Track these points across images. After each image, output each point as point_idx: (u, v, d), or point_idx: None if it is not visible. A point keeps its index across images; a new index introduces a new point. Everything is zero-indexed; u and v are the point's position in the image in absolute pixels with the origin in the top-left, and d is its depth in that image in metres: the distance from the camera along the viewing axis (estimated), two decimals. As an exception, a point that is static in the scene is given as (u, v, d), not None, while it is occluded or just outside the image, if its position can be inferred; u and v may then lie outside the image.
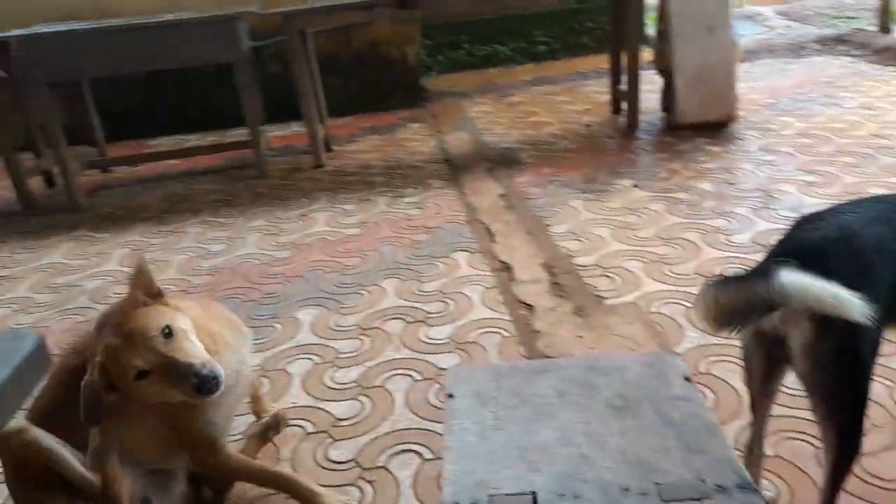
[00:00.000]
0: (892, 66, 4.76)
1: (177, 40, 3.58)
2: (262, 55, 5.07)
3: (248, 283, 2.69)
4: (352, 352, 2.14)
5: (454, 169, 3.80)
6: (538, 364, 1.30)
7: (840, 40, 5.74)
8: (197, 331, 1.31)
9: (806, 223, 1.22)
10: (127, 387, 1.23)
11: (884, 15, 5.72)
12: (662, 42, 3.95)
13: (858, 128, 3.59)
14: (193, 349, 1.24)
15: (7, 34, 3.51)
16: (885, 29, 5.66)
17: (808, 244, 1.13)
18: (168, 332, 1.23)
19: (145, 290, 1.29)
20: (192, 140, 4.95)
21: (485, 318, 2.25)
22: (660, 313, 2.16)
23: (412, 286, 2.51)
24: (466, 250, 2.77)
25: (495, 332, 2.17)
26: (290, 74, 3.98)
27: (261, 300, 2.54)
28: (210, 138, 4.89)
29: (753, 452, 1.35)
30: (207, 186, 3.94)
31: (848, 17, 6.72)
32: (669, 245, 2.59)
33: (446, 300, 2.39)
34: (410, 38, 5.41)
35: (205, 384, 1.19)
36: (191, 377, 1.19)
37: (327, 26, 4.39)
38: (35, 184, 3.99)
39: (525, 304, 2.32)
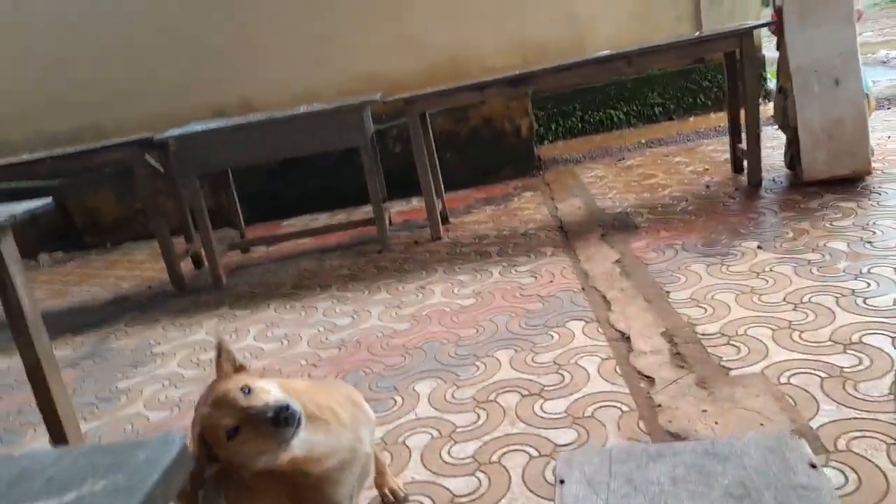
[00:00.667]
0: None
1: (310, 131, 3.93)
2: (385, 136, 5.42)
3: (371, 355, 2.82)
4: (468, 426, 2.17)
5: (568, 236, 3.81)
6: (653, 448, 1.27)
7: None
8: (296, 398, 1.37)
9: None
10: (225, 451, 1.29)
11: None
12: (783, 97, 3.83)
13: None
14: (269, 396, 1.31)
15: (166, 134, 4.01)
16: None
17: None
18: (248, 391, 1.31)
19: (230, 365, 1.41)
20: (322, 219, 5.32)
21: (602, 392, 2.22)
22: (790, 384, 2.03)
23: (527, 357, 2.52)
24: (581, 319, 2.75)
25: (613, 407, 2.12)
26: (410, 153, 4.22)
27: (382, 372, 2.64)
28: (338, 217, 5.24)
29: None
30: (335, 262, 4.19)
31: None
32: (800, 310, 2.44)
33: (562, 372, 2.37)
34: (523, 111, 5.57)
35: (279, 415, 1.25)
36: (266, 413, 1.26)
37: (444, 107, 4.64)
38: (185, 265, 4.43)
39: (645, 376, 2.27)
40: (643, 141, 5.68)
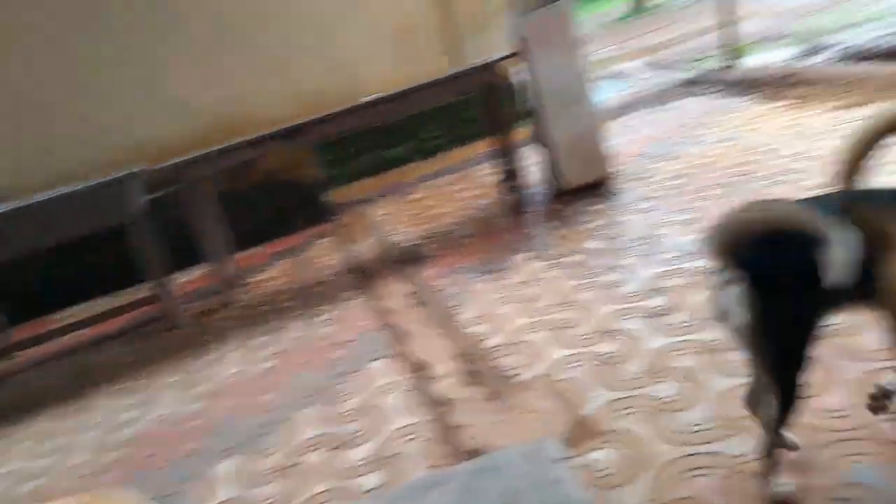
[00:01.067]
0: (745, 96, 5.19)
1: (68, 214, 3.60)
2: (165, 203, 5.11)
3: (162, 447, 2.61)
4: (270, 498, 2.09)
5: (365, 276, 3.86)
6: (426, 479, 1.32)
7: (696, 82, 6.24)
8: None
9: None
10: None
11: (730, 52, 6.29)
12: (537, 118, 4.22)
13: (722, 160, 3.86)
14: None
15: None
16: (731, 64, 6.21)
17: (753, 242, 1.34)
18: None
19: None
20: (101, 304, 4.86)
21: (406, 426, 2.26)
22: (567, 379, 2.22)
23: (331, 410, 2.50)
24: (382, 357, 2.79)
25: (417, 438, 2.17)
26: (189, 219, 4.03)
27: (178, 463, 2.46)
28: (125, 296, 4.82)
29: (752, 408, 1.57)
30: (118, 350, 3.85)
31: (701, 59, 7.33)
32: (568, 309, 2.69)
33: (366, 416, 2.38)
34: (306, 160, 5.57)
35: None
36: None
37: (220, 167, 4.49)
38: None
39: (443, 400, 2.35)
40: (426, 174, 5.95)
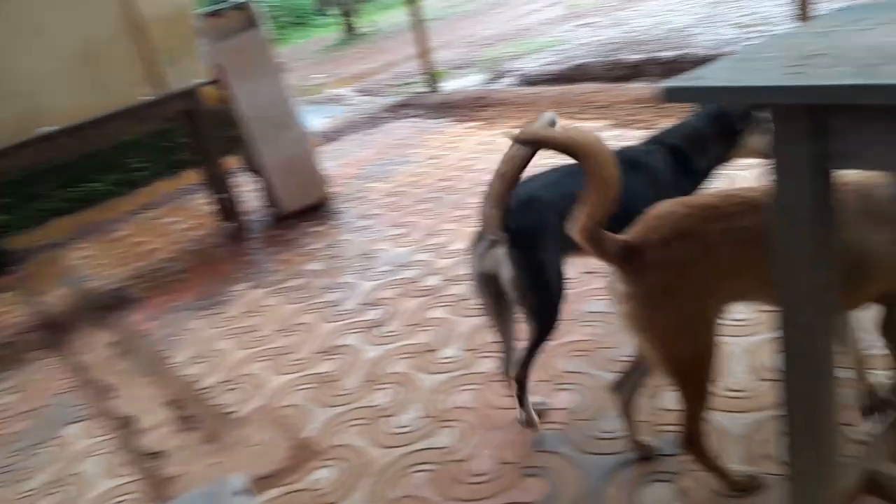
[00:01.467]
0: (445, 117, 5.65)
1: None
2: None
3: None
4: None
5: (56, 331, 3.37)
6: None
7: (405, 105, 6.63)
8: None
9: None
10: None
11: (431, 77, 6.81)
12: (246, 144, 4.10)
13: (427, 177, 4.14)
14: None
15: None
16: (433, 88, 6.73)
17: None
18: None
19: None
20: None
21: (108, 490, 2.00)
22: (289, 406, 2.16)
23: (11, 492, 2.11)
24: (80, 420, 2.45)
25: (123, 500, 1.93)
26: None
27: None
28: None
29: (509, 374, 1.73)
30: None
31: (407, 84, 7.83)
32: (289, 335, 2.64)
33: (60, 489, 2.07)
34: (-29, 202, 4.72)
35: None
36: None
37: None
38: None
39: (153, 453, 2.13)
40: (132, 209, 5.43)
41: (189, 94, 4.06)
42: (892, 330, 1.31)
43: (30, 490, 2.10)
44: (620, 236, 1.24)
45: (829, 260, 0.93)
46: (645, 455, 1.54)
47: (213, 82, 4.14)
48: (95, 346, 3.05)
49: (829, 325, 0.98)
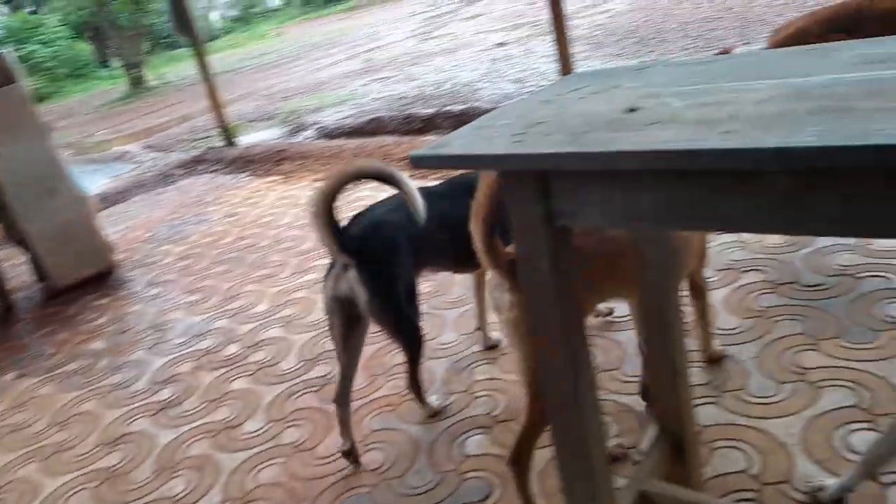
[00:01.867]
0: (242, 172, 5.50)
1: None
2: None
3: None
4: None
5: None
6: None
7: (200, 160, 6.36)
8: None
9: (352, 221, 1.74)
10: None
11: (227, 131, 6.60)
12: (6, 213, 3.65)
13: (225, 236, 3.98)
14: None
15: None
16: (230, 143, 6.53)
17: (354, 236, 1.67)
18: None
19: None
20: None
21: None
22: (70, 509, 1.93)
23: None
24: None
25: None
26: None
27: None
28: None
29: (340, 401, 1.76)
30: None
31: (202, 138, 7.52)
32: (66, 428, 2.36)
33: None
34: None
35: None
36: None
37: None
38: None
39: None
40: None
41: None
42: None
43: None
44: (509, 249, 1.30)
45: (572, 301, 1.03)
46: None
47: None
48: None
49: (582, 361, 1.08)
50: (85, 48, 22.33)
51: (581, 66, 4.32)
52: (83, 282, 3.70)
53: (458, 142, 1.04)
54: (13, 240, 3.78)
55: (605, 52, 6.28)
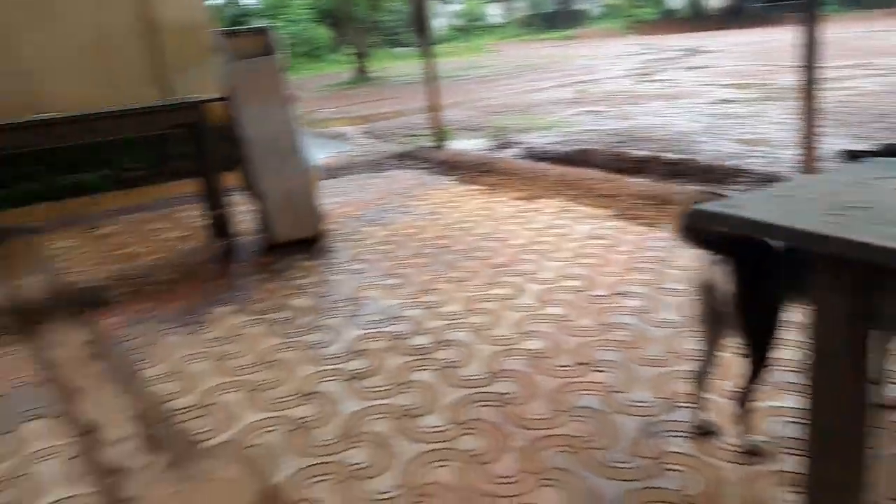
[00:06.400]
0: (447, 175, 5.75)
1: None
2: None
3: None
4: None
5: (26, 320, 3.29)
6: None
7: (409, 156, 6.74)
8: None
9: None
10: None
11: (438, 134, 6.95)
12: (247, 166, 4.11)
13: (426, 231, 4.19)
14: None
15: None
16: (440, 145, 6.86)
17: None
18: None
19: None
20: None
21: (61, 500, 1.93)
22: (258, 445, 2.12)
23: (-43, 484, 2.03)
24: (40, 418, 2.37)
25: (75, 515, 1.87)
26: None
27: None
28: None
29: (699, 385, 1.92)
30: None
31: (414, 136, 7.96)
32: (267, 369, 2.60)
33: (11, 487, 1.99)
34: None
35: None
36: None
37: None
38: None
39: (114, 469, 2.06)
40: (119, 207, 5.37)
41: (195, 107, 4.08)
42: None
43: (-23, 486, 2.01)
44: None
45: (862, 398, 0.95)
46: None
47: (222, 99, 4.18)
48: (66, 343, 2.98)
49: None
50: (323, 33, 24.49)
51: (824, 142, 4.01)
52: (295, 242, 4.06)
53: (754, 206, 1.01)
54: (247, 190, 4.25)
55: (850, 132, 5.78)
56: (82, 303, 3.45)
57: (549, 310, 2.87)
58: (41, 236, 4.75)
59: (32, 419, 2.37)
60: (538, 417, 2.09)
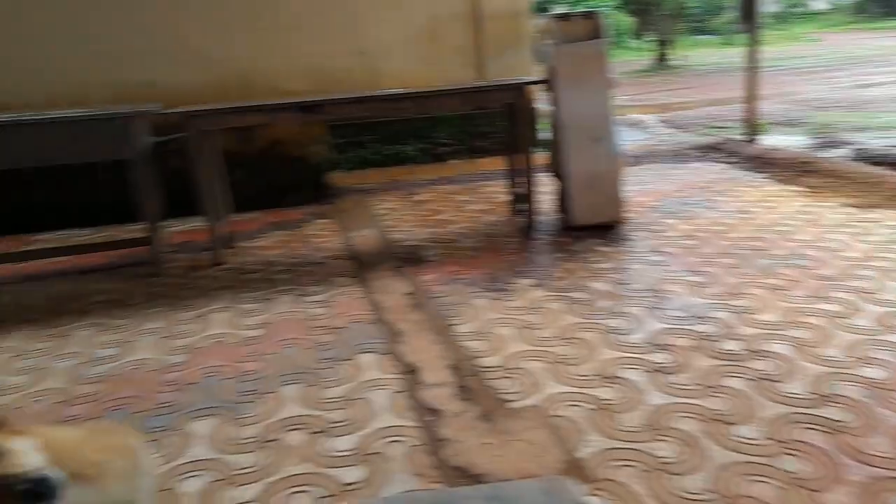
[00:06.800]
0: (759, 172, 5.28)
1: (71, 138, 3.49)
2: (165, 150, 5.00)
3: (139, 391, 2.53)
4: (250, 467, 2.03)
5: (360, 266, 3.81)
6: (443, 496, 1.28)
7: (715, 148, 6.33)
8: (61, 455, 1.22)
9: None
10: None
11: (751, 126, 6.39)
12: (555, 148, 4.23)
13: (735, 230, 3.90)
14: (24, 461, 1.17)
15: None
16: (752, 139, 6.31)
17: None
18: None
19: None
20: (84, 235, 4.73)
21: (391, 427, 2.21)
22: (561, 416, 2.20)
23: (315, 393, 2.44)
24: (372, 352, 2.74)
25: (402, 442, 2.13)
26: (191, 170, 3.93)
27: (153, 410, 2.38)
28: (106, 233, 4.70)
29: None
30: (99, 285, 3.73)
31: (719, 127, 7.44)
32: (569, 345, 2.67)
33: (350, 407, 2.33)
34: (316, 136, 5.50)
35: (34, 489, 1.13)
36: (18, 486, 1.13)
37: (229, 126, 4.41)
38: None
39: (431, 409, 2.30)
40: (432, 178, 5.92)
41: (517, 88, 4.25)
42: None
43: (328, 398, 2.40)
44: None
45: None
46: None
47: (542, 82, 4.31)
48: (391, 291, 3.38)
49: None
50: (625, 20, 23.98)
51: None
52: (594, 226, 4.09)
53: None
54: (551, 170, 4.37)
55: None
56: (403, 258, 3.89)
57: (894, 338, 2.48)
58: (369, 197, 5.45)
59: (365, 352, 2.75)
60: (881, 454, 1.83)
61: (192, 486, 1.96)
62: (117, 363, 2.77)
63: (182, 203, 4.67)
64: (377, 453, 2.07)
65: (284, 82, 5.38)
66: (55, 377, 2.68)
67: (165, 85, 5.09)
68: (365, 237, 4.38)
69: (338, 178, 5.88)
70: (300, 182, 5.44)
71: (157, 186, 3.88)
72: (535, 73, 4.37)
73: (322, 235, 4.48)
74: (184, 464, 2.06)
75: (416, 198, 5.31)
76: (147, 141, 3.73)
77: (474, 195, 5.28)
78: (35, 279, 3.89)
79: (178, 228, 4.68)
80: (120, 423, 2.28)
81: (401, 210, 4.99)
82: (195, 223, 4.65)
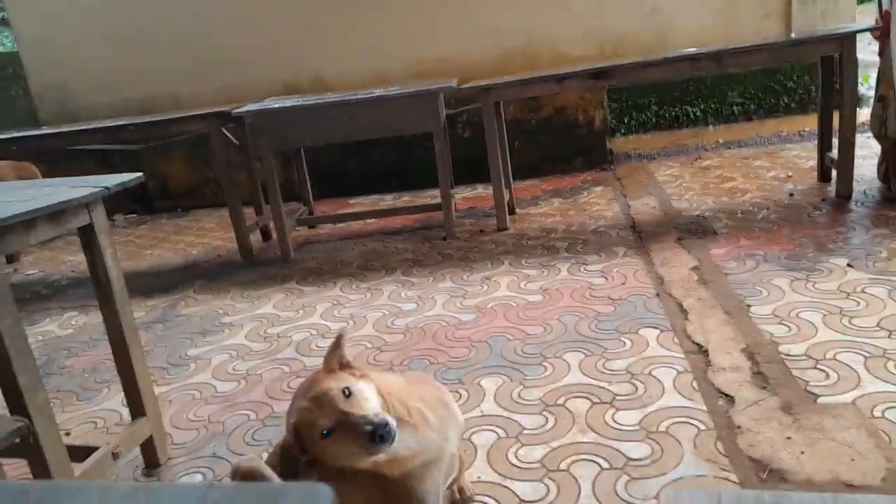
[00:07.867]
0: None
1: (386, 114, 3.91)
2: (454, 121, 5.37)
3: (436, 344, 2.80)
4: (536, 428, 2.12)
5: (640, 236, 3.70)
6: (768, 497, 1.19)
7: None
8: (391, 401, 1.38)
9: None
10: (315, 447, 1.31)
11: None
12: (883, 106, 3.61)
13: None
14: (368, 405, 1.31)
15: (244, 109, 4.05)
16: None
17: None
18: (348, 393, 1.31)
19: (337, 361, 1.41)
20: (387, 200, 5.32)
21: (677, 407, 2.14)
22: (885, 419, 1.91)
23: (597, 362, 2.45)
24: (656, 327, 2.66)
25: (690, 424, 2.04)
26: (477, 139, 4.16)
27: (448, 363, 2.62)
28: (403, 199, 5.24)
29: None
30: (400, 245, 4.19)
31: None
32: (892, 338, 2.30)
33: (635, 381, 2.30)
34: (598, 102, 5.42)
35: (377, 431, 1.25)
36: (363, 426, 1.26)
37: (520, 97, 4.56)
38: (254, 237, 4.50)
39: (723, 393, 2.17)
40: (721, 141, 5.48)
41: (843, 39, 3.69)
42: None
43: (611, 370, 2.40)
44: None
45: None
46: None
47: (874, 28, 3.68)
48: (675, 264, 3.24)
49: None
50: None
51: None
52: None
53: None
54: (874, 132, 3.74)
55: None
56: (688, 229, 3.69)
57: None
58: (650, 163, 5.24)
59: (648, 327, 2.67)
60: None
61: (483, 439, 2.12)
62: (417, 317, 3.09)
63: (468, 170, 4.99)
64: (664, 432, 2.01)
65: (567, 49, 5.38)
66: (368, 325, 3.09)
67: (455, 60, 5.43)
68: (644, 206, 4.24)
69: (616, 143, 5.76)
70: (580, 149, 5.44)
71: (450, 157, 4.19)
72: (854, 17, 3.74)
73: (601, 203, 4.44)
74: (476, 417, 2.24)
75: (703, 163, 4.97)
76: (444, 114, 4.04)
77: (771, 160, 4.77)
78: (349, 238, 4.50)
79: (465, 194, 5.01)
80: (427, 374, 2.55)
81: (685, 177, 4.72)
82: (480, 189, 4.95)
